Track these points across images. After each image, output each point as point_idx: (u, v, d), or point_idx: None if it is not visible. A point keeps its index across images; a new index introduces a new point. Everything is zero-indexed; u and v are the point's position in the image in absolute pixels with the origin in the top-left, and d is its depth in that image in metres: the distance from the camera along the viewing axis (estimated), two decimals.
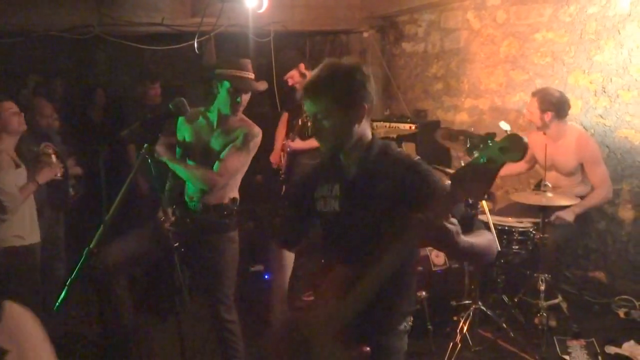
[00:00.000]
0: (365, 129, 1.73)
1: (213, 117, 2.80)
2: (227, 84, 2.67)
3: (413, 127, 4.66)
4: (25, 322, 1.02)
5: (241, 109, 2.78)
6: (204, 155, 2.79)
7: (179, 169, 2.71)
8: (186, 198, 2.83)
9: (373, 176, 1.70)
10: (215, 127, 2.80)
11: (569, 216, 3.32)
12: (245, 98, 2.76)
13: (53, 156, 3.16)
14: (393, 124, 4.82)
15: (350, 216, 1.74)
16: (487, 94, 4.62)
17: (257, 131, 2.79)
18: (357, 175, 1.74)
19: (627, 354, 3.01)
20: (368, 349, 1.60)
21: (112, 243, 2.70)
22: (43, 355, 1.00)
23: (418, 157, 1.73)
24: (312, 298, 1.92)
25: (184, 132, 2.83)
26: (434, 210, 1.42)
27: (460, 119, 4.88)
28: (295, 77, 4.25)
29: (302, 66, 4.30)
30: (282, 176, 4.34)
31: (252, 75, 2.75)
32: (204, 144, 2.80)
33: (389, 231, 1.52)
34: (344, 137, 1.70)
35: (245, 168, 2.87)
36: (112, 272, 2.68)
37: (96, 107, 4.87)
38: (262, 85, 2.88)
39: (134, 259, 2.76)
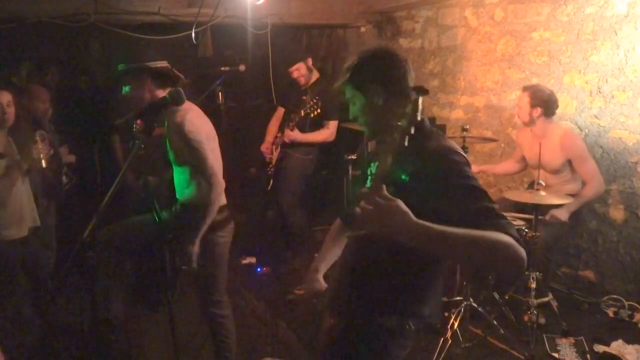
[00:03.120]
0: None
1: None
2: None
3: None
4: None
5: (131, 102, 2.48)
6: None
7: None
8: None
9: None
10: None
11: (562, 215, 3.34)
12: (125, 90, 2.50)
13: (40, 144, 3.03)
14: None
15: None
16: (483, 92, 4.62)
17: (181, 116, 2.43)
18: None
19: (615, 352, 3.04)
20: (333, 321, 1.65)
21: (113, 225, 2.72)
22: None
23: None
24: (302, 292, 1.93)
25: None
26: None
27: (456, 116, 4.89)
28: (301, 69, 4.24)
29: (309, 60, 4.30)
30: (271, 169, 4.33)
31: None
32: None
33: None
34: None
35: (216, 154, 2.58)
36: (114, 247, 2.67)
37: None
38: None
39: (133, 237, 2.73)
